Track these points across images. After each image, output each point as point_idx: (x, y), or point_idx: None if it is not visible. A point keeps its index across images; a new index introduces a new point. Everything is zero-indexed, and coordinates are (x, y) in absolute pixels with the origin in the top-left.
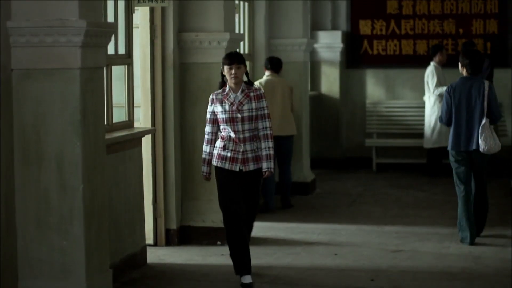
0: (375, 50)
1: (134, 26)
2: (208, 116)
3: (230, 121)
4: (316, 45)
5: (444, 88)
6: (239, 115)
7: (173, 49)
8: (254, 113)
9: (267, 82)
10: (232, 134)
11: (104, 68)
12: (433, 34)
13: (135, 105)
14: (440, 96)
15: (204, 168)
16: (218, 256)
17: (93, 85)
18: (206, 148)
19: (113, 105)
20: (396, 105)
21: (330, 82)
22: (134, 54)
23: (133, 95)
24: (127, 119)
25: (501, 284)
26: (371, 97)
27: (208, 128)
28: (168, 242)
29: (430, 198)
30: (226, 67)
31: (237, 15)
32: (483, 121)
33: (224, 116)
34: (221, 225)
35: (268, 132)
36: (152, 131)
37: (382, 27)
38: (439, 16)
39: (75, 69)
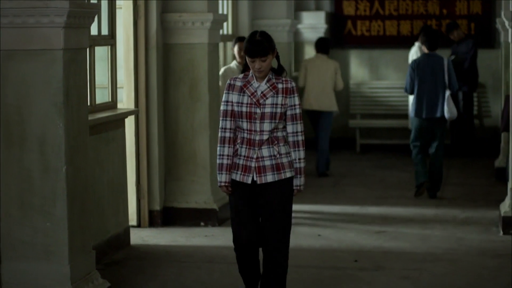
0: (359, 31)
1: (117, 6)
2: (222, 107)
3: (247, 117)
4: (299, 26)
5: None
6: (258, 111)
7: (156, 30)
8: (278, 110)
9: (310, 59)
10: (246, 135)
11: (87, 49)
12: (417, 15)
13: (118, 86)
14: None
15: (220, 177)
16: (202, 237)
17: (76, 66)
18: (221, 150)
19: (96, 86)
20: (380, 85)
21: None
22: (117, 35)
23: (116, 76)
24: (110, 100)
25: (484, 265)
26: (354, 78)
27: (222, 123)
28: (152, 223)
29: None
30: (248, 59)
31: None
32: (447, 93)
33: (239, 110)
34: (205, 206)
35: (300, 138)
36: (135, 112)
37: (366, 8)
38: None
39: (58, 50)
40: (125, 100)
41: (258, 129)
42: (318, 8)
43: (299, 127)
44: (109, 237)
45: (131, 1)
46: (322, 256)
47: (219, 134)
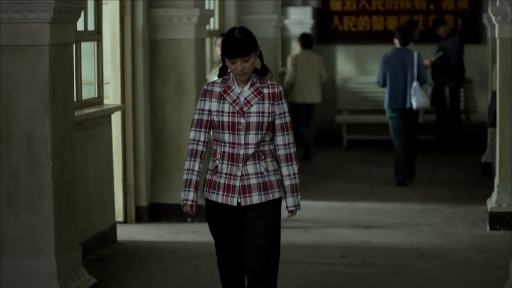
0: (346, 26)
1: (103, 2)
2: (196, 116)
3: (229, 128)
4: (286, 21)
5: None
6: (242, 120)
7: (143, 26)
8: (265, 119)
9: (298, 54)
10: (228, 148)
11: (73, 44)
12: (404, 10)
13: (104, 81)
14: None
15: (187, 194)
16: (188, 233)
17: (62, 62)
18: (191, 164)
19: (82, 81)
20: (366, 81)
21: None
22: (103, 30)
23: (103, 72)
24: (96, 95)
25: (471, 260)
26: (341, 73)
27: (195, 135)
28: (138, 219)
29: None
30: (227, 61)
31: None
32: (414, 85)
33: (220, 120)
34: None
35: (293, 150)
36: (121, 108)
37: (353, 3)
38: None
39: (44, 45)
40: (112, 96)
41: (242, 142)
42: (304, 3)
43: (291, 138)
44: (96, 233)
45: None
46: (309, 252)
47: (190, 147)
